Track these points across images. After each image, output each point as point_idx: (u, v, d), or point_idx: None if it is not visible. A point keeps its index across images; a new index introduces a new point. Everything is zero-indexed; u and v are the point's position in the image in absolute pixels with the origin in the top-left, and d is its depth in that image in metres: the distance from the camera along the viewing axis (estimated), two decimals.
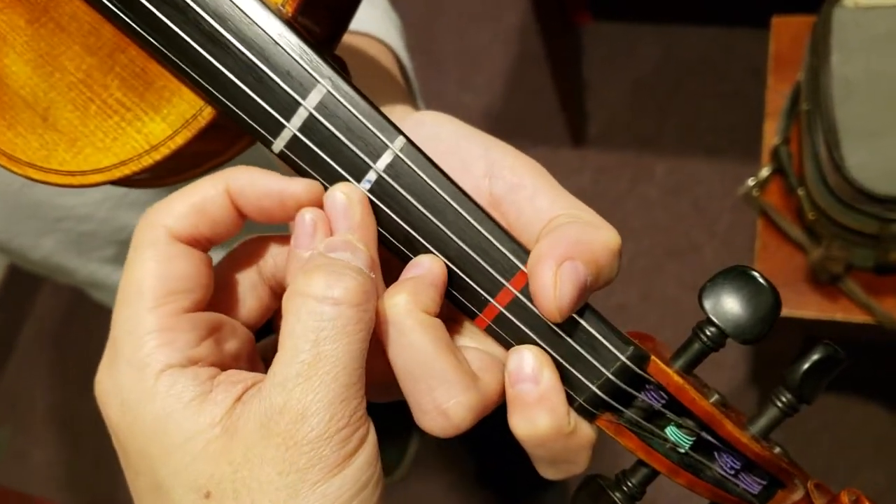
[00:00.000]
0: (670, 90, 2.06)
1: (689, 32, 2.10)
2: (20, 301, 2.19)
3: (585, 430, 0.35)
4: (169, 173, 0.39)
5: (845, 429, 1.62)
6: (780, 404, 0.36)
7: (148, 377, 0.32)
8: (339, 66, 0.35)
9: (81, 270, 0.83)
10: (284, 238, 0.36)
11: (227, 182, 0.34)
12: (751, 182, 1.20)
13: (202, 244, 0.35)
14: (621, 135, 2.04)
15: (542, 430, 0.34)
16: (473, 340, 0.37)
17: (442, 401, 0.33)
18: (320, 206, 0.35)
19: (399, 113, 0.43)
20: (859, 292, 1.12)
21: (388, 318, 0.33)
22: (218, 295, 0.36)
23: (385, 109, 0.42)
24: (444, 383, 0.33)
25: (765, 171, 1.20)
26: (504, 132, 2.13)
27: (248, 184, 0.34)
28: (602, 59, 2.12)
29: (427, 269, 0.35)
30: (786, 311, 1.18)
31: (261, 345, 0.39)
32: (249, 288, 0.37)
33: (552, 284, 0.32)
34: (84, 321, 2.13)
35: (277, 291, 0.38)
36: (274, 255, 0.37)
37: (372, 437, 0.33)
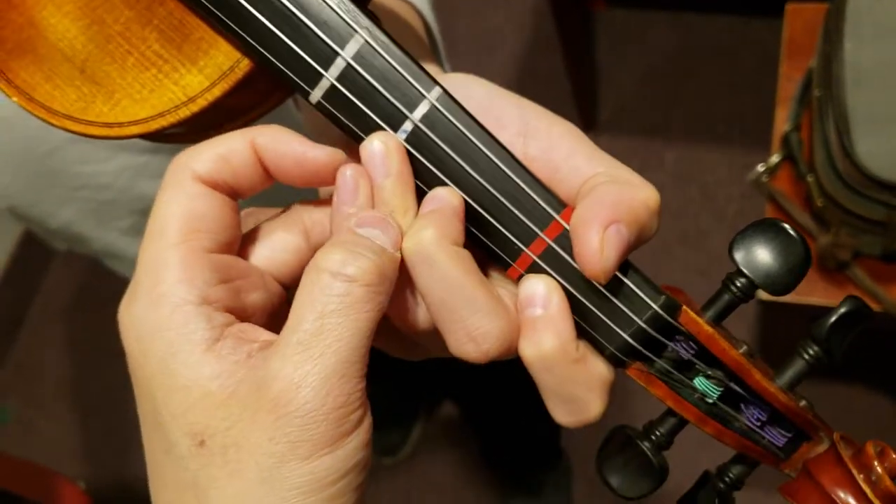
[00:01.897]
0: (682, 77, 2.05)
1: (702, 20, 2.10)
2: (31, 274, 2.21)
3: (598, 366, 0.35)
4: (204, 127, 0.39)
5: (850, 417, 1.62)
6: (806, 356, 0.36)
7: (163, 311, 0.32)
8: (375, 19, 0.35)
9: (99, 240, 0.84)
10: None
11: (253, 136, 0.35)
12: (760, 168, 1.20)
13: (226, 191, 0.35)
14: (632, 121, 2.04)
15: (546, 350, 0.34)
16: (501, 284, 0.37)
17: (474, 328, 0.33)
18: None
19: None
20: (866, 279, 1.13)
21: (418, 253, 0.33)
22: (259, 251, 0.37)
23: None
24: (476, 312, 0.33)
25: (775, 158, 1.20)
26: None
27: (270, 140, 0.34)
28: (614, 45, 2.12)
29: (446, 201, 0.35)
30: (792, 298, 1.18)
31: None
32: (293, 250, 0.37)
33: (598, 249, 0.32)
34: (94, 295, 2.14)
35: None
36: (324, 222, 0.37)
37: (368, 421, 0.33)
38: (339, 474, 0.31)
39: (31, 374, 2.14)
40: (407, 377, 1.76)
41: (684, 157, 1.97)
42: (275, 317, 0.38)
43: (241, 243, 0.36)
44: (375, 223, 0.34)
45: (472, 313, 0.33)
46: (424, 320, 0.36)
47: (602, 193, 0.34)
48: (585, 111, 1.99)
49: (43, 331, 2.18)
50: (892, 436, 1.62)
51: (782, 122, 1.23)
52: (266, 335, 0.34)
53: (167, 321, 0.32)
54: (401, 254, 0.34)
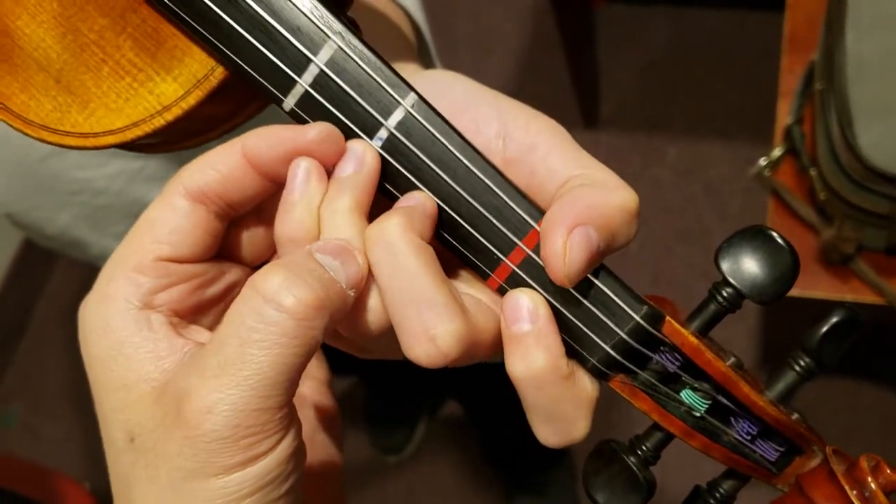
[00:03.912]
0: (682, 72, 2.05)
1: (701, 14, 2.09)
2: (34, 278, 2.21)
3: (586, 384, 0.35)
4: (181, 137, 0.38)
5: (855, 414, 1.61)
6: (797, 368, 0.35)
7: (108, 310, 0.33)
8: (352, 25, 0.35)
9: (96, 245, 0.83)
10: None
11: (242, 143, 0.34)
12: (763, 162, 1.20)
13: (218, 204, 0.35)
14: (633, 117, 2.03)
15: (538, 367, 0.33)
16: (469, 288, 0.36)
17: (430, 326, 0.32)
18: (336, 150, 0.34)
19: (409, 71, 0.43)
20: (870, 273, 1.12)
21: (381, 241, 0.32)
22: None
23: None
24: (433, 308, 0.32)
25: (777, 151, 1.20)
26: None
27: (259, 140, 0.34)
28: (615, 41, 2.12)
29: (420, 201, 0.34)
30: (795, 292, 1.17)
31: None
32: (248, 235, 0.38)
33: (562, 252, 0.32)
34: None
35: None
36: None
37: (289, 439, 0.32)
38: (253, 488, 0.31)
39: (35, 379, 2.14)
40: (410, 376, 1.76)
41: (686, 153, 1.96)
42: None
43: None
44: (337, 253, 0.32)
45: (430, 309, 0.32)
46: (375, 323, 0.34)
47: (574, 196, 0.33)
48: (587, 108, 1.99)
49: (46, 335, 2.19)
50: None
51: (784, 115, 1.22)
52: (205, 337, 0.35)
53: (111, 320, 0.33)
54: (353, 293, 0.33)
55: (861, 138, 1.01)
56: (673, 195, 1.93)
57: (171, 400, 0.31)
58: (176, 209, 0.34)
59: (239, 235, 0.37)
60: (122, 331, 0.33)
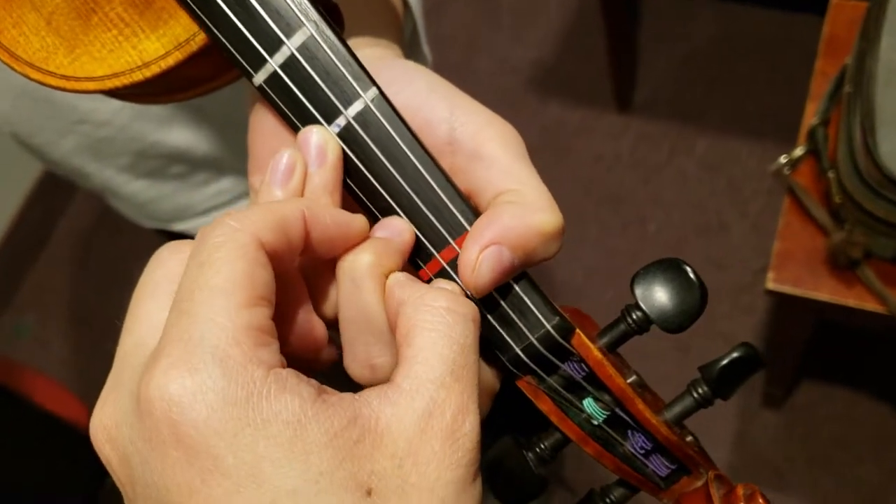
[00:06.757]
0: (721, 67, 2.04)
1: (748, 12, 2.08)
2: (58, 197, 2.25)
3: (489, 376, 0.38)
4: (162, 91, 0.41)
5: (848, 422, 1.62)
6: (695, 395, 0.37)
7: (255, 375, 0.29)
8: (333, 15, 0.37)
9: (97, 175, 0.85)
10: None
11: (303, 207, 0.34)
12: (783, 159, 1.20)
13: (275, 263, 0.33)
14: (667, 106, 2.03)
15: None
16: None
17: (374, 356, 0.35)
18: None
19: (380, 53, 0.45)
20: (875, 281, 1.12)
21: (350, 273, 0.35)
22: None
23: (367, 45, 0.43)
24: (380, 342, 0.35)
25: (798, 151, 1.20)
26: (550, 90, 2.14)
27: (318, 211, 0.34)
28: (658, 27, 2.11)
29: (398, 233, 0.36)
30: (800, 292, 1.18)
31: None
32: None
33: (472, 266, 0.34)
34: (115, 227, 2.18)
35: None
36: None
37: None
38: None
39: (48, 293, 2.18)
40: None
41: (716, 147, 1.96)
42: None
43: None
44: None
45: (376, 342, 0.35)
46: (328, 315, 0.37)
47: (497, 213, 0.35)
48: (621, 92, 1.99)
49: (63, 253, 2.23)
50: (887, 445, 1.62)
51: (811, 116, 1.22)
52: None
53: (268, 385, 0.29)
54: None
55: (882, 145, 1.01)
56: (696, 187, 1.93)
57: (409, 424, 0.31)
58: (262, 265, 0.31)
59: None
60: (296, 388, 0.30)
